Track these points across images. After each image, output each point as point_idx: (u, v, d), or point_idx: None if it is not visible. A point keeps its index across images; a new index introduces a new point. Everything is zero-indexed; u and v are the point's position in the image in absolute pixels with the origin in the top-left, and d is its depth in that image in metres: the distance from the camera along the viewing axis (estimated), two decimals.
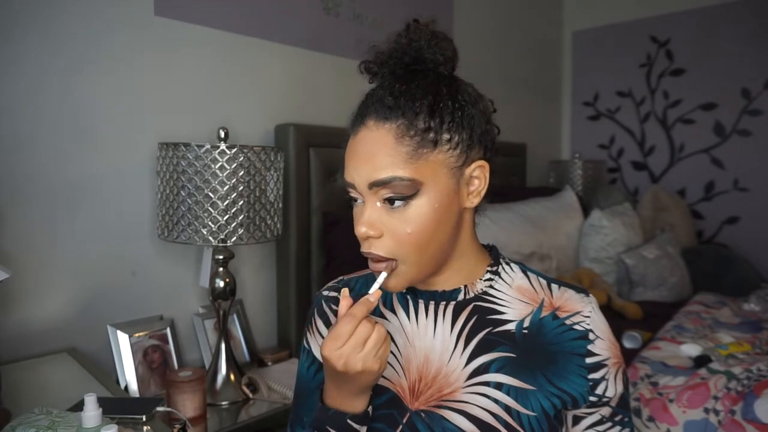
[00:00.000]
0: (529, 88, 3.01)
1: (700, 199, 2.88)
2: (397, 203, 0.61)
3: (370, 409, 0.66)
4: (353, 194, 0.66)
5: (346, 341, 0.58)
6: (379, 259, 0.63)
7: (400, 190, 0.61)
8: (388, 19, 2.10)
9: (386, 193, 0.61)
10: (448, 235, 0.65)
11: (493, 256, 0.73)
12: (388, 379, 0.70)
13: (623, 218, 2.38)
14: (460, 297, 0.69)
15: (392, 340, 0.71)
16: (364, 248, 0.64)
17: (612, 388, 0.67)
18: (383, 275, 0.63)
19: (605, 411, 0.68)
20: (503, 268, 0.72)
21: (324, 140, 1.76)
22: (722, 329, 1.81)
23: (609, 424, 0.68)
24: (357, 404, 0.64)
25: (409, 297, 0.72)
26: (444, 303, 0.70)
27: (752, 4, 2.65)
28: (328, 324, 0.77)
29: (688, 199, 2.91)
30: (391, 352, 0.70)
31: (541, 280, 0.72)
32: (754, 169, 2.69)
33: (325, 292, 0.79)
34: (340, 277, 0.82)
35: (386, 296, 0.75)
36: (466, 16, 2.51)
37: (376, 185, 0.61)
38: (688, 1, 2.84)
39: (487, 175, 0.66)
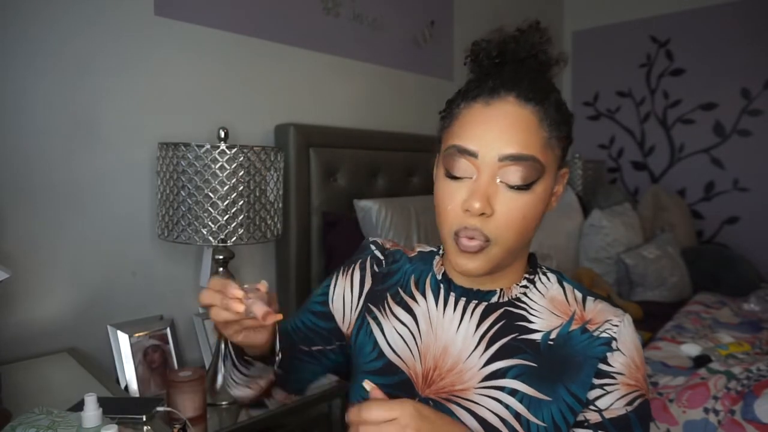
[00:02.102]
0: None
1: (700, 199, 2.88)
2: (521, 185, 0.60)
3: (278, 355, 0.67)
4: (462, 167, 0.61)
5: None
6: (478, 238, 0.60)
7: (530, 173, 0.59)
8: (388, 19, 2.10)
9: (516, 170, 0.59)
10: (535, 231, 0.65)
11: (532, 263, 0.72)
12: (404, 361, 0.69)
13: (623, 218, 2.39)
14: (494, 299, 0.68)
15: (416, 323, 0.70)
16: (468, 223, 0.60)
17: (607, 402, 0.62)
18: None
19: (591, 416, 0.62)
20: (539, 278, 0.71)
21: (324, 140, 1.76)
22: (722, 329, 1.82)
23: (590, 431, 0.62)
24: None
25: (442, 285, 0.71)
26: (476, 302, 0.68)
27: (752, 4, 2.65)
28: (362, 279, 0.77)
29: (688, 199, 2.91)
30: (412, 334, 0.70)
31: (577, 293, 0.69)
32: (754, 169, 2.69)
33: (377, 252, 0.79)
34: (390, 242, 0.81)
35: (419, 278, 0.73)
36: (466, 17, 2.51)
37: (510, 159, 0.59)
38: (688, 1, 2.84)
39: (565, 182, 0.68)
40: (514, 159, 0.59)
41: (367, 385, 0.58)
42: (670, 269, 2.27)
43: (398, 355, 0.70)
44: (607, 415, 0.62)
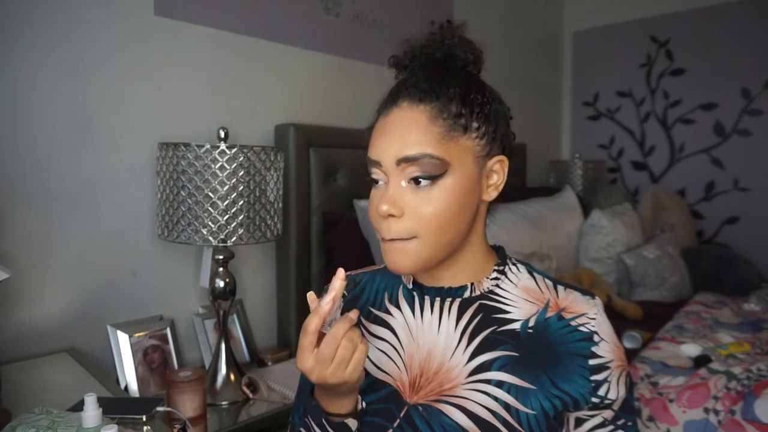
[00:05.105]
0: (529, 88, 3.01)
1: (700, 199, 2.88)
2: (424, 182, 0.62)
3: (362, 405, 0.67)
4: (376, 174, 0.66)
5: (329, 363, 0.58)
6: (398, 235, 0.63)
7: (429, 169, 0.61)
8: (388, 19, 2.10)
9: (414, 170, 0.62)
10: (466, 224, 0.66)
11: (500, 256, 0.74)
12: (389, 375, 0.70)
13: (623, 218, 2.38)
14: (466, 294, 0.70)
15: (396, 336, 0.72)
16: (383, 232, 0.64)
17: (614, 391, 0.66)
18: (338, 283, 0.61)
19: (607, 414, 0.67)
20: (509, 268, 0.73)
21: (324, 140, 1.76)
22: (722, 329, 1.81)
23: (611, 427, 0.67)
24: (342, 405, 0.64)
25: (415, 293, 0.73)
26: (450, 299, 0.70)
27: (752, 4, 2.65)
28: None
29: (688, 199, 2.91)
30: (394, 347, 0.71)
31: (547, 281, 0.72)
32: (754, 169, 2.69)
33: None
34: (347, 273, 0.82)
35: (392, 292, 0.75)
36: (467, 17, 2.50)
37: (405, 161, 0.62)
38: (688, 1, 2.84)
39: (506, 170, 0.68)
40: (408, 160, 0.62)
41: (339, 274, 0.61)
42: (670, 269, 2.27)
43: (383, 371, 0.71)
44: (616, 406, 0.67)
